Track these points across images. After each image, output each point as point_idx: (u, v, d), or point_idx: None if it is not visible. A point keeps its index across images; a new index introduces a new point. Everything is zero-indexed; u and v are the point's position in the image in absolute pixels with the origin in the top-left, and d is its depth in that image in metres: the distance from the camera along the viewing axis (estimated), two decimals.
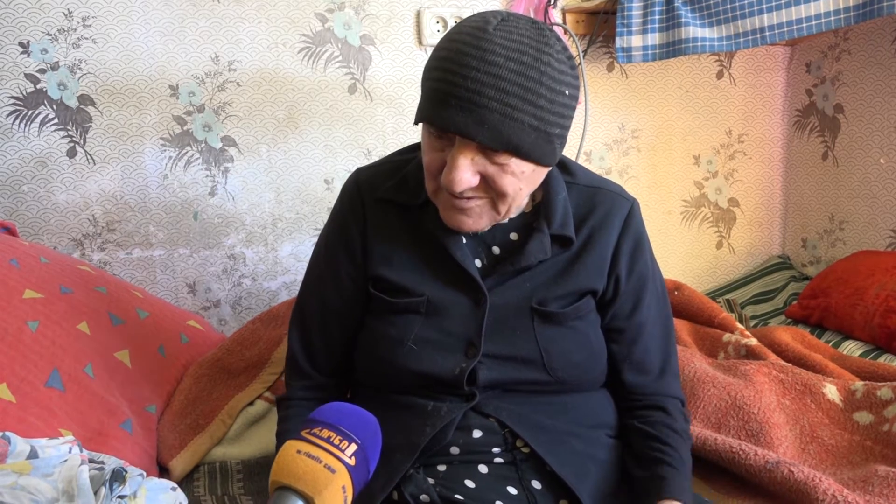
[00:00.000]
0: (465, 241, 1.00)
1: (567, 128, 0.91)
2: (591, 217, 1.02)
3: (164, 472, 1.28)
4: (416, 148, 1.08)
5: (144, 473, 0.96)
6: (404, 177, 1.04)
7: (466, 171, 0.88)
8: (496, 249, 1.01)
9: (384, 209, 1.03)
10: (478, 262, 1.01)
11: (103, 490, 0.90)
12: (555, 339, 0.98)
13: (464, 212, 0.93)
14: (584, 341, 1.01)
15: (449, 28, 2.00)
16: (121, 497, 0.91)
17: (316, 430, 0.72)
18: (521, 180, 0.91)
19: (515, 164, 0.89)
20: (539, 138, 0.88)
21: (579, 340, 1.00)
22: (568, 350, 0.99)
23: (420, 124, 0.92)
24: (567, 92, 0.88)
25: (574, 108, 0.91)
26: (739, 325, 1.66)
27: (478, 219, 0.94)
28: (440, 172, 0.91)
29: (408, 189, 1.02)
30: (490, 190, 0.91)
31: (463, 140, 0.87)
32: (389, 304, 1.00)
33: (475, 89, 0.84)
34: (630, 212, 1.04)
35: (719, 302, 2.14)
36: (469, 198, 0.92)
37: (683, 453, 1.00)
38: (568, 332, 0.99)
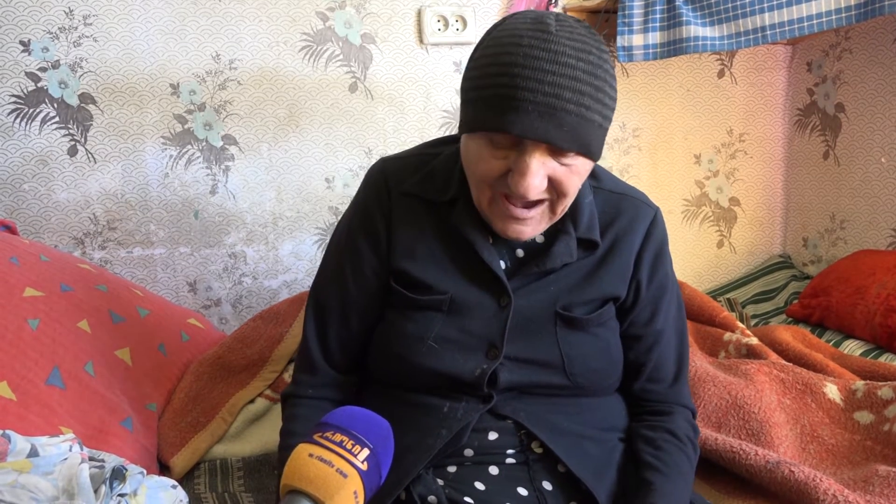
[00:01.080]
0: (490, 240, 0.99)
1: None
2: (615, 223, 1.01)
3: (164, 469, 1.28)
4: (442, 142, 1.06)
5: (145, 471, 0.96)
6: (431, 171, 1.02)
7: (538, 176, 0.86)
8: (520, 252, 1.00)
9: (409, 203, 1.01)
10: (501, 264, 0.99)
11: (103, 488, 0.90)
12: (576, 345, 0.98)
13: (524, 222, 0.91)
14: (605, 348, 1.00)
15: (450, 27, 2.02)
16: (121, 495, 0.91)
17: (328, 434, 0.71)
18: (582, 178, 0.90)
19: (581, 163, 0.88)
20: (602, 136, 0.87)
21: (600, 347, 0.99)
22: (589, 356, 0.98)
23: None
24: (615, 86, 0.88)
25: None
26: (740, 325, 1.66)
27: (536, 226, 0.93)
28: (499, 180, 0.89)
29: (435, 185, 1.01)
30: (553, 192, 0.89)
31: (535, 144, 0.85)
32: (411, 300, 0.99)
33: (553, 93, 0.81)
34: (654, 220, 1.04)
35: (720, 301, 2.14)
36: (532, 206, 0.90)
37: (679, 461, 0.99)
38: (590, 339, 0.99)
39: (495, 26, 0.89)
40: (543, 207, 0.91)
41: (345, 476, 0.69)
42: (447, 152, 1.03)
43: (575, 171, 0.88)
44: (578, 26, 0.86)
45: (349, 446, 0.71)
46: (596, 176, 1.05)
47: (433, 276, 0.98)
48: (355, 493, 0.69)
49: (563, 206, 0.92)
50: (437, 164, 1.03)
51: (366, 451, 0.71)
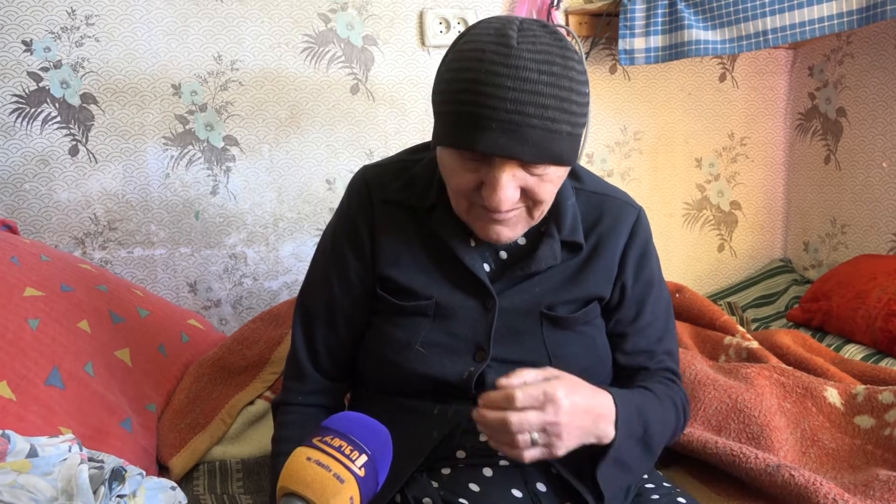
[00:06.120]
0: (473, 244, 1.00)
1: (586, 123, 0.91)
2: (599, 224, 1.02)
3: (163, 470, 1.28)
4: (423, 148, 1.07)
5: (144, 473, 0.96)
6: (412, 178, 1.03)
7: (509, 189, 0.87)
8: (503, 254, 1.01)
9: (392, 210, 1.02)
10: (486, 267, 1.00)
11: (103, 489, 0.90)
12: (563, 344, 0.98)
13: (502, 223, 0.92)
14: (591, 346, 1.01)
15: (452, 29, 2.02)
16: (120, 496, 0.91)
17: (327, 439, 0.71)
18: (555, 184, 0.91)
19: (553, 171, 0.89)
20: (573, 142, 0.87)
21: (587, 345, 1.00)
22: (576, 355, 0.99)
23: (431, 122, 0.91)
24: (586, 90, 0.88)
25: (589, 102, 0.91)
26: (741, 328, 1.65)
27: (514, 227, 0.94)
28: (473, 192, 0.90)
29: (415, 191, 1.01)
30: (528, 199, 0.90)
31: (504, 159, 0.85)
32: (397, 307, 0.99)
33: (515, 109, 0.82)
34: (637, 219, 1.04)
35: (721, 305, 2.13)
36: (508, 210, 0.91)
37: (660, 392, 1.00)
38: (576, 337, 0.99)
39: (461, 37, 0.89)
40: (520, 211, 0.92)
41: (342, 481, 0.69)
42: (427, 158, 1.03)
43: (547, 180, 0.89)
44: (543, 34, 0.85)
45: (347, 451, 0.71)
46: (578, 177, 1.05)
47: (418, 282, 0.99)
48: (351, 498, 0.69)
49: (541, 211, 0.93)
50: (418, 170, 1.03)
51: (364, 458, 0.71)
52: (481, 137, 0.83)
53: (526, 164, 0.86)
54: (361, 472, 0.70)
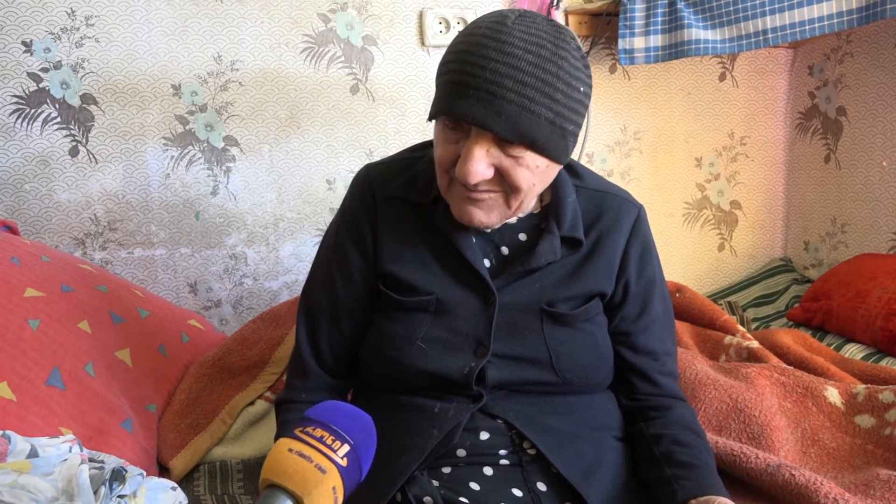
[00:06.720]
0: (474, 240, 1.00)
1: (580, 125, 0.91)
2: (599, 221, 1.02)
3: (164, 471, 1.28)
4: (425, 146, 1.08)
5: (144, 473, 0.96)
6: (414, 174, 1.03)
7: (481, 163, 0.87)
8: (505, 250, 1.01)
9: (394, 206, 1.03)
10: (486, 262, 1.00)
11: (103, 489, 0.90)
12: (563, 341, 0.98)
13: (476, 203, 0.92)
14: (592, 343, 1.01)
15: (451, 29, 2.02)
16: (121, 496, 0.91)
17: (309, 429, 0.71)
18: (535, 175, 0.91)
19: (530, 157, 0.89)
20: (554, 133, 0.88)
21: (587, 342, 1.00)
22: (576, 351, 0.99)
23: (431, 122, 0.93)
24: (582, 89, 0.89)
25: (587, 106, 0.91)
26: (741, 328, 1.65)
27: (489, 212, 0.94)
28: (453, 166, 0.91)
29: (418, 187, 1.02)
30: (504, 183, 0.91)
31: (479, 131, 0.87)
32: (398, 302, 1.00)
33: (493, 80, 0.84)
34: (638, 217, 1.05)
35: (721, 304, 2.13)
36: (483, 190, 0.91)
37: (701, 448, 1.00)
38: (576, 334, 0.99)
39: (470, 23, 0.92)
40: (496, 196, 0.92)
41: (323, 472, 0.69)
42: (429, 155, 1.04)
43: (524, 164, 0.89)
44: (542, 22, 0.87)
45: (329, 441, 0.70)
46: (578, 174, 1.06)
47: (419, 278, 1.00)
48: (334, 488, 0.69)
49: (518, 201, 0.93)
50: (421, 166, 1.04)
51: (346, 447, 0.71)
52: (457, 104, 0.86)
53: (502, 142, 0.87)
54: (344, 462, 0.70)
